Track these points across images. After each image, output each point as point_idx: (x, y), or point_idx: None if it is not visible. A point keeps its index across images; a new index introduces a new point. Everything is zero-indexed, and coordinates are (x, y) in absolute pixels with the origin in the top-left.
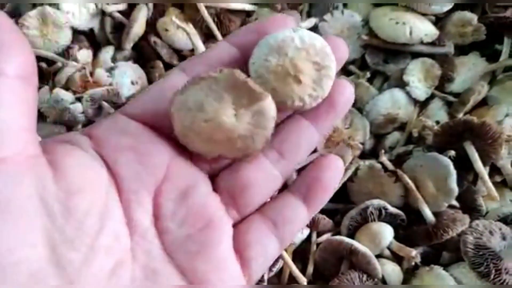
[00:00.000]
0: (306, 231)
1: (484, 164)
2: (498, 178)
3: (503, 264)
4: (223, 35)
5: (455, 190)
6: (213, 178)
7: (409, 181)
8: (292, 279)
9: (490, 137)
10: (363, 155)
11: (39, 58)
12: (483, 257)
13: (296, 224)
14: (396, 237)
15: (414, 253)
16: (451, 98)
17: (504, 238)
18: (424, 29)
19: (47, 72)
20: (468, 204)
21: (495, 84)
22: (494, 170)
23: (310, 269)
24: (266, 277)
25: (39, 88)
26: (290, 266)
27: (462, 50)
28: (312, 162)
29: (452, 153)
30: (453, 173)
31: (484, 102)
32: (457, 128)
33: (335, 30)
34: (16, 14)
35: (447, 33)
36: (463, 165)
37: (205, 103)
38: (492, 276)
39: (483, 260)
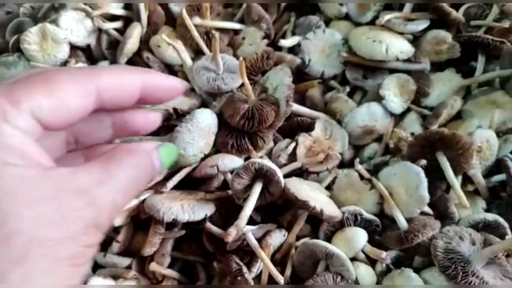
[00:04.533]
0: (284, 234)
1: (456, 173)
2: (470, 187)
3: (470, 267)
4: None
5: (426, 197)
6: None
7: (383, 189)
8: (272, 279)
9: (460, 148)
10: (342, 165)
11: None
12: (452, 261)
13: None
14: (371, 242)
15: (384, 255)
16: (426, 112)
17: (473, 243)
18: (400, 47)
19: None
20: (441, 212)
21: (470, 98)
22: (467, 179)
23: (288, 272)
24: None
25: None
26: (268, 266)
27: (439, 66)
28: None
29: (423, 162)
30: (424, 180)
31: (458, 116)
32: (429, 139)
33: (317, 48)
34: (19, 30)
35: (423, 50)
36: (437, 175)
37: None
38: (459, 278)
39: (451, 263)
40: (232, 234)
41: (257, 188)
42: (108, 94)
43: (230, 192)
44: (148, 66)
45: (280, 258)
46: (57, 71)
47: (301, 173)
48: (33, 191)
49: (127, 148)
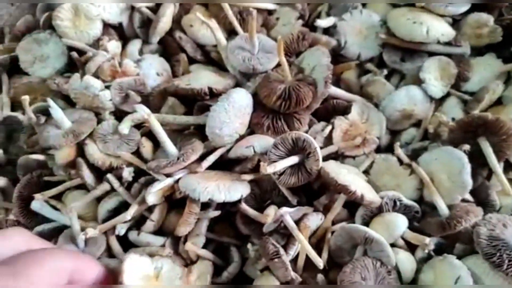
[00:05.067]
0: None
1: (498, 159)
2: None
3: None
4: (245, 31)
5: (469, 183)
6: None
7: (424, 174)
8: (308, 263)
9: (504, 133)
10: (379, 150)
11: (71, 48)
12: (496, 248)
13: None
14: (410, 229)
15: (428, 240)
16: (466, 97)
17: None
18: (441, 29)
19: (78, 61)
20: (482, 199)
21: (511, 84)
22: (509, 167)
23: (325, 255)
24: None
25: (71, 75)
26: (307, 248)
27: (478, 51)
28: None
29: (467, 147)
30: (467, 166)
31: (499, 102)
32: (472, 124)
33: (354, 29)
34: (49, 8)
35: (463, 34)
36: (478, 161)
37: None
38: (505, 266)
39: (496, 251)
40: (270, 215)
41: (293, 158)
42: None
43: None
44: (180, 46)
45: (315, 242)
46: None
47: (337, 157)
48: None
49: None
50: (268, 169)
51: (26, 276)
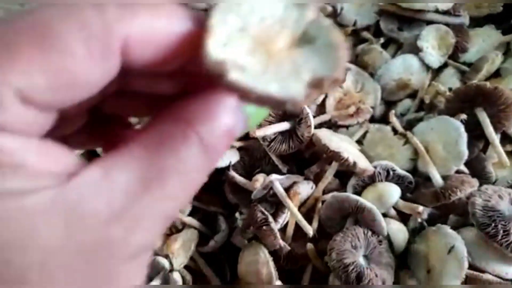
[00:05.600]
0: (312, 186)
1: (496, 130)
2: (509, 147)
3: (511, 226)
4: None
5: (465, 153)
6: None
7: (419, 143)
8: (298, 231)
9: (502, 103)
10: (374, 121)
11: None
12: (491, 218)
13: None
14: (403, 199)
15: (421, 209)
16: (464, 68)
17: None
18: None
19: None
20: (478, 171)
21: (510, 56)
22: (505, 139)
23: (315, 225)
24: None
25: None
26: (296, 216)
27: (477, 22)
28: None
29: (464, 116)
30: (464, 135)
31: (497, 74)
32: (469, 93)
33: None
34: None
35: (463, 3)
36: (474, 132)
37: None
38: (499, 237)
39: (491, 221)
40: (259, 180)
41: (284, 124)
42: (141, 53)
43: (254, 140)
44: None
45: (306, 212)
46: (55, 14)
47: (330, 126)
48: (45, 233)
49: (187, 116)
50: (258, 132)
51: None
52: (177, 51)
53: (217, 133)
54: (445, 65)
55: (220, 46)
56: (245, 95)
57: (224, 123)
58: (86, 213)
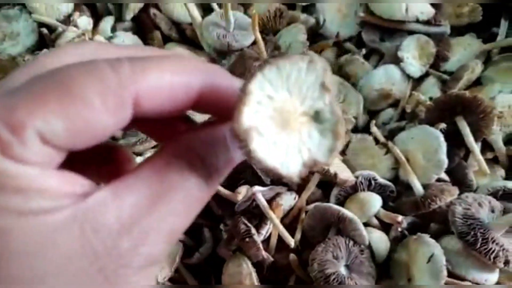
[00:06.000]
0: (295, 197)
1: (476, 139)
2: (489, 155)
3: (490, 234)
4: (221, 9)
5: (445, 161)
6: None
7: (399, 153)
8: (281, 243)
9: (481, 111)
10: (357, 131)
11: (41, 25)
12: (471, 227)
13: None
14: (385, 208)
15: (400, 218)
16: (445, 77)
17: (493, 211)
18: (420, 7)
19: (47, 38)
20: (459, 179)
21: (490, 64)
22: (486, 147)
23: (298, 236)
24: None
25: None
26: (278, 227)
27: (458, 31)
28: None
29: (443, 125)
30: (443, 144)
31: (478, 83)
32: (449, 102)
33: (333, 7)
34: None
35: (444, 12)
36: (455, 141)
37: None
38: (478, 245)
39: (470, 229)
40: (242, 193)
41: None
42: (150, 104)
43: None
44: (154, 23)
45: (289, 223)
46: (76, 70)
47: None
48: (63, 244)
49: (191, 141)
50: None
51: None
52: (184, 102)
53: (220, 161)
54: (426, 74)
55: (252, 114)
56: (254, 161)
57: (226, 153)
58: (99, 226)
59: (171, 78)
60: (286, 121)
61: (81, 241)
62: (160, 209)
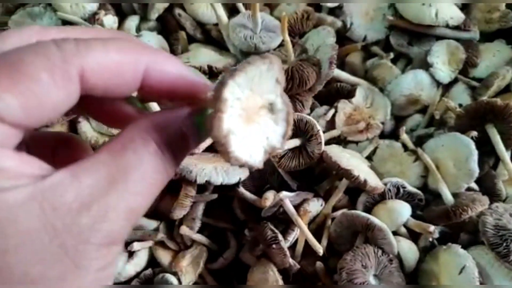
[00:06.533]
0: (321, 203)
1: (506, 147)
2: None
3: None
4: (248, 10)
5: (476, 170)
6: None
7: (429, 160)
8: (307, 249)
9: None
10: (383, 136)
11: (65, 22)
12: (503, 238)
13: None
14: (414, 217)
15: (432, 228)
16: (474, 83)
17: None
18: (450, 12)
19: None
20: (488, 188)
21: None
22: None
23: (324, 242)
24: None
25: None
26: (306, 234)
27: (487, 37)
28: None
29: (474, 133)
30: (475, 153)
31: (507, 90)
32: (480, 110)
33: (360, 10)
34: None
35: (473, 18)
36: (485, 149)
37: None
38: (511, 257)
39: (502, 241)
40: (269, 198)
41: (294, 140)
42: (96, 80)
43: None
44: (179, 23)
45: (315, 229)
46: (24, 51)
47: (339, 141)
48: (23, 220)
49: (148, 125)
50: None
51: None
52: (131, 80)
53: (174, 145)
54: (455, 80)
55: (228, 119)
56: (232, 160)
57: (181, 137)
58: (58, 205)
59: (117, 55)
60: (249, 116)
61: (41, 218)
62: (118, 188)
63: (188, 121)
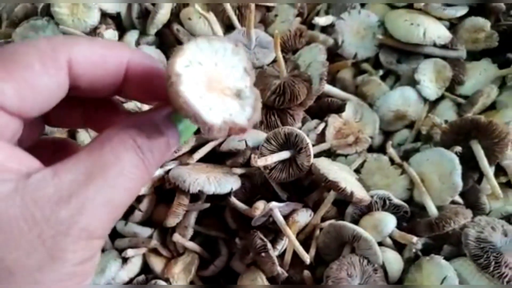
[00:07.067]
0: (310, 214)
1: (490, 163)
2: (503, 179)
3: (503, 258)
4: (243, 26)
5: (460, 184)
6: None
7: (415, 174)
8: (295, 259)
9: (496, 136)
10: (372, 150)
11: None
12: (484, 250)
13: None
14: (399, 229)
15: (415, 240)
16: (460, 100)
17: (506, 235)
18: (438, 32)
19: None
20: (472, 202)
21: (505, 90)
22: (500, 171)
23: (312, 252)
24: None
25: None
26: (294, 243)
27: (474, 56)
28: None
29: (458, 148)
30: (458, 167)
31: (493, 107)
32: (464, 126)
33: (352, 29)
34: None
35: (460, 37)
36: (469, 164)
37: None
38: (491, 268)
39: (483, 253)
40: (259, 208)
41: (285, 152)
42: (83, 70)
43: (255, 167)
44: (177, 39)
45: (303, 239)
46: (17, 45)
47: (329, 154)
48: (3, 210)
49: (126, 125)
50: (259, 162)
51: None
52: (115, 74)
53: (152, 142)
54: (442, 97)
55: (183, 66)
56: (184, 108)
57: (159, 135)
58: (38, 197)
59: (101, 49)
60: (212, 86)
61: (21, 208)
62: (96, 183)
63: (165, 117)
